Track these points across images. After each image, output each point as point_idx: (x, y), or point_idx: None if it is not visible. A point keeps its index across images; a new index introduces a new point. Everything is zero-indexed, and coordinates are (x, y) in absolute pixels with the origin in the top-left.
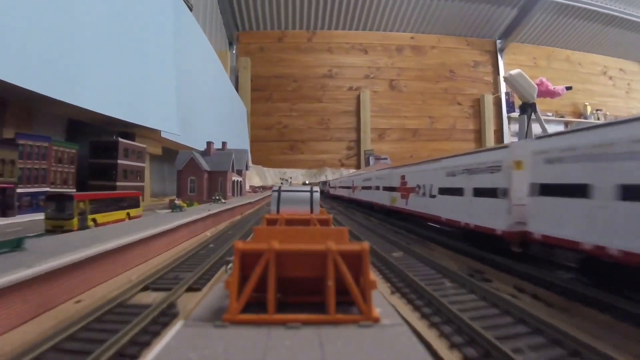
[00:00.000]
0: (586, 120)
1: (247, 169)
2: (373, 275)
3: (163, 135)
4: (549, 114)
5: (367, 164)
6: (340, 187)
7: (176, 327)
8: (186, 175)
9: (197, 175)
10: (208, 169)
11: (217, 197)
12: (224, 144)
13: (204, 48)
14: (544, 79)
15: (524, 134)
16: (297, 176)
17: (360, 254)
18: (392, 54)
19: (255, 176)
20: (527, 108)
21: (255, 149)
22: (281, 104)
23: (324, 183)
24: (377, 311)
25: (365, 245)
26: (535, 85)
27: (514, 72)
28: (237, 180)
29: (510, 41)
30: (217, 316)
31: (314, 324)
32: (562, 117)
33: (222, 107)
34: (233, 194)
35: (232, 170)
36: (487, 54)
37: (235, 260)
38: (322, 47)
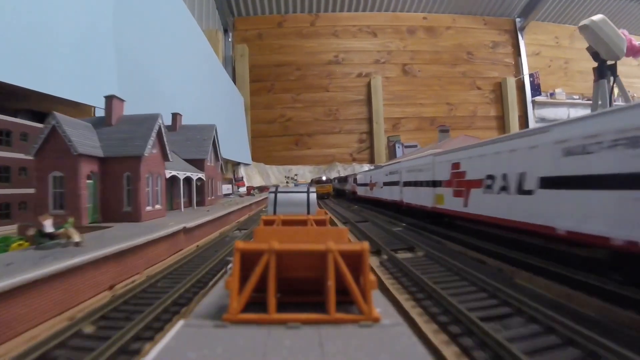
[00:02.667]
0: (615, 103)
1: (219, 159)
2: (373, 275)
3: (99, 114)
4: (575, 96)
5: (394, 154)
6: (389, 183)
7: (176, 326)
8: (45, 170)
9: (66, 167)
10: (99, 153)
11: (46, 233)
12: (175, 116)
13: (176, 9)
14: (626, 32)
15: (606, 103)
16: (304, 173)
17: (361, 254)
18: (403, 36)
19: (256, 175)
20: (606, 71)
21: (257, 145)
22: (284, 94)
23: (343, 179)
24: (377, 311)
25: (365, 244)
26: (624, 37)
27: (596, 17)
28: (188, 179)
29: (531, 19)
30: (217, 316)
31: (314, 323)
32: (589, 99)
33: (211, 91)
34: (173, 205)
35: (164, 157)
36: (506, 34)
37: (235, 260)
38: (327, 31)
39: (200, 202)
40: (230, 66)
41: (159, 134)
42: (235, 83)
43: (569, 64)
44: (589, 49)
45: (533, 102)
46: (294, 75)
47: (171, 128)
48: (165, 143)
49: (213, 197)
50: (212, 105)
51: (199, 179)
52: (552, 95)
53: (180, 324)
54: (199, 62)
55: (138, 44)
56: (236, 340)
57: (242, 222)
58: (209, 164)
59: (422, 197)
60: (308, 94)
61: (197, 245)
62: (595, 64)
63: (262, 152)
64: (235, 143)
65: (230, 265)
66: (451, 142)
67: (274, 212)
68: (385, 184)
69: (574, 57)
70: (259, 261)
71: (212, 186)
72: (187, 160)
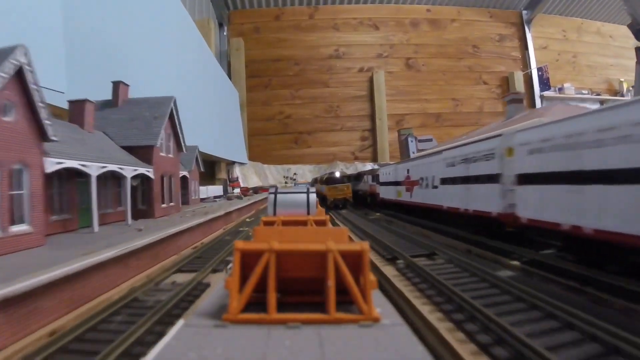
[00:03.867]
0: (623, 98)
1: (183, 149)
2: (373, 275)
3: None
4: (584, 91)
5: (406, 148)
6: (458, 179)
7: (176, 326)
8: None
9: None
10: None
11: None
12: (116, 85)
13: None
14: None
15: None
16: (305, 173)
17: (361, 254)
18: (407, 29)
19: (253, 175)
20: None
21: (254, 144)
22: (282, 90)
23: (355, 178)
24: (377, 311)
25: (365, 244)
26: None
27: None
28: (119, 176)
29: (538, 12)
30: (217, 316)
31: (314, 323)
32: (598, 94)
33: (201, 83)
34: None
35: (39, 134)
36: (512, 27)
37: (235, 260)
38: (327, 24)
39: (147, 212)
40: (226, 61)
41: (24, 87)
42: (230, 78)
43: (577, 58)
44: (631, 25)
45: (541, 97)
46: (293, 70)
47: (111, 103)
48: (39, 107)
49: (172, 204)
50: (202, 99)
51: (138, 177)
52: (560, 90)
53: (180, 323)
54: (187, 51)
55: (103, 24)
56: (236, 340)
57: (201, 248)
58: (163, 154)
59: (608, 210)
60: (307, 89)
61: (53, 331)
62: (638, 44)
63: (260, 150)
64: (229, 140)
65: (230, 265)
66: (542, 112)
67: (274, 213)
68: (446, 180)
69: (582, 51)
70: (259, 261)
71: (172, 187)
72: (128, 149)
